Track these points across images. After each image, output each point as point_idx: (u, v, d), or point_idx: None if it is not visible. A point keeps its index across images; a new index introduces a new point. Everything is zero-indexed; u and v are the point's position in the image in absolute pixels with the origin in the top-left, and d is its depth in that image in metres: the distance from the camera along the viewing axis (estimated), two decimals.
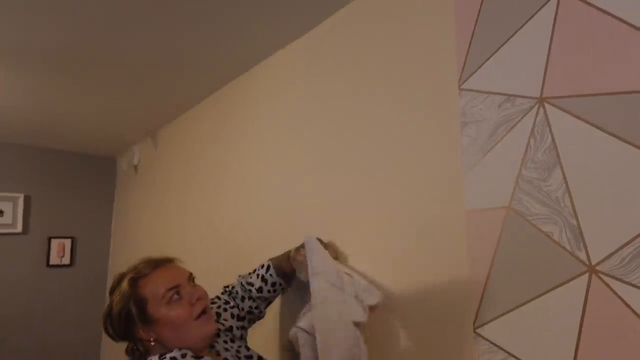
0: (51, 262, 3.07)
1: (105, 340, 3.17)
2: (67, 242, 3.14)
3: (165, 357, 0.90)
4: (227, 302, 1.28)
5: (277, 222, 1.58)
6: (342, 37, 1.37)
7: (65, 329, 3.09)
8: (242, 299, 1.29)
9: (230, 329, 1.22)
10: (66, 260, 3.13)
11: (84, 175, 3.28)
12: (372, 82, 1.24)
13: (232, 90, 1.96)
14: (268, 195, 1.65)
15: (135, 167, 3.01)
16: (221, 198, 1.96)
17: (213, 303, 1.25)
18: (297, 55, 1.58)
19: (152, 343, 0.97)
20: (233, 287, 1.33)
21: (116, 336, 1.02)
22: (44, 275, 3.05)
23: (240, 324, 1.25)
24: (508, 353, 0.85)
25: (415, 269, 1.06)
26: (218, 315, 1.21)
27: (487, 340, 0.89)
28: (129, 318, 0.97)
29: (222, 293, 1.33)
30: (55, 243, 3.09)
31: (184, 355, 0.92)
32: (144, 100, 2.23)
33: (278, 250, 1.40)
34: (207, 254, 2.01)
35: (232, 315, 1.25)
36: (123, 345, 1.07)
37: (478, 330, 0.91)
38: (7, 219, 2.93)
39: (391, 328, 1.10)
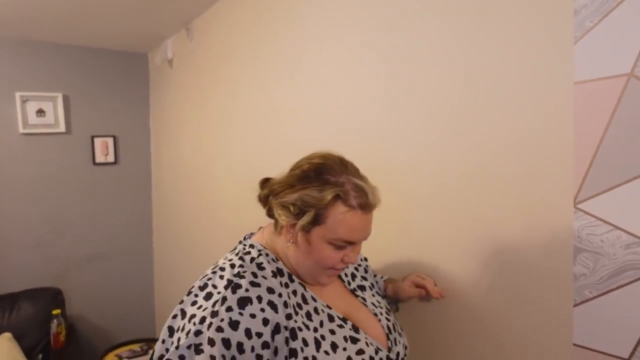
0: (97, 160, 3.14)
1: (157, 232, 3.35)
2: (110, 141, 3.18)
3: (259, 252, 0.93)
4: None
5: (325, 129, 1.54)
6: None
7: (118, 223, 3.27)
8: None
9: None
10: (111, 158, 3.20)
11: (117, 73, 3.22)
12: None
13: None
14: (316, 94, 1.58)
15: (170, 62, 2.93)
16: (265, 89, 1.89)
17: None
18: None
19: (290, 244, 0.91)
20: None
21: (261, 197, 0.95)
22: (92, 172, 3.14)
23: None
24: (613, 226, 0.84)
25: (511, 146, 1.02)
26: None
27: (589, 214, 0.88)
28: (293, 210, 0.86)
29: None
30: (98, 142, 3.14)
31: (275, 260, 0.93)
32: None
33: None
34: (253, 147, 2.01)
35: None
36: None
37: (579, 206, 0.89)
38: (49, 118, 2.95)
39: (481, 198, 1.09)
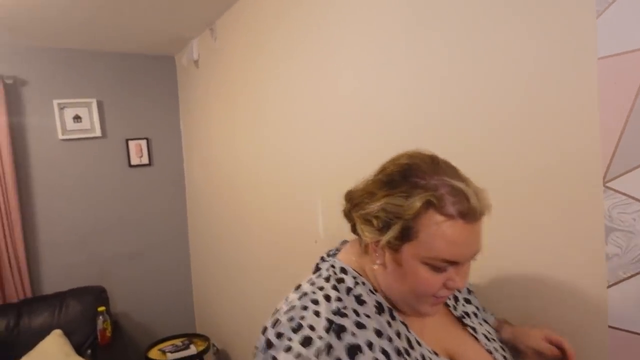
0: (132, 163, 3.25)
1: (192, 229, 3.45)
2: (143, 143, 3.29)
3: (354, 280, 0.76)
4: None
5: (355, 124, 1.53)
6: None
7: (155, 222, 3.38)
8: None
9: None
10: (145, 160, 3.30)
11: (147, 77, 3.31)
12: None
13: None
14: (347, 93, 1.57)
15: (196, 63, 2.99)
16: (296, 83, 1.91)
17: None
18: None
19: (377, 265, 0.74)
20: None
21: (346, 211, 0.80)
22: (128, 174, 3.26)
23: None
24: None
25: (536, 126, 1.00)
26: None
27: (620, 192, 0.85)
28: (376, 223, 0.71)
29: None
30: (132, 144, 3.24)
31: (373, 291, 0.76)
32: None
33: (356, 157, 1.32)
34: (283, 141, 2.03)
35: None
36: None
37: (609, 184, 0.87)
38: (85, 124, 3.07)
39: (507, 179, 1.08)
